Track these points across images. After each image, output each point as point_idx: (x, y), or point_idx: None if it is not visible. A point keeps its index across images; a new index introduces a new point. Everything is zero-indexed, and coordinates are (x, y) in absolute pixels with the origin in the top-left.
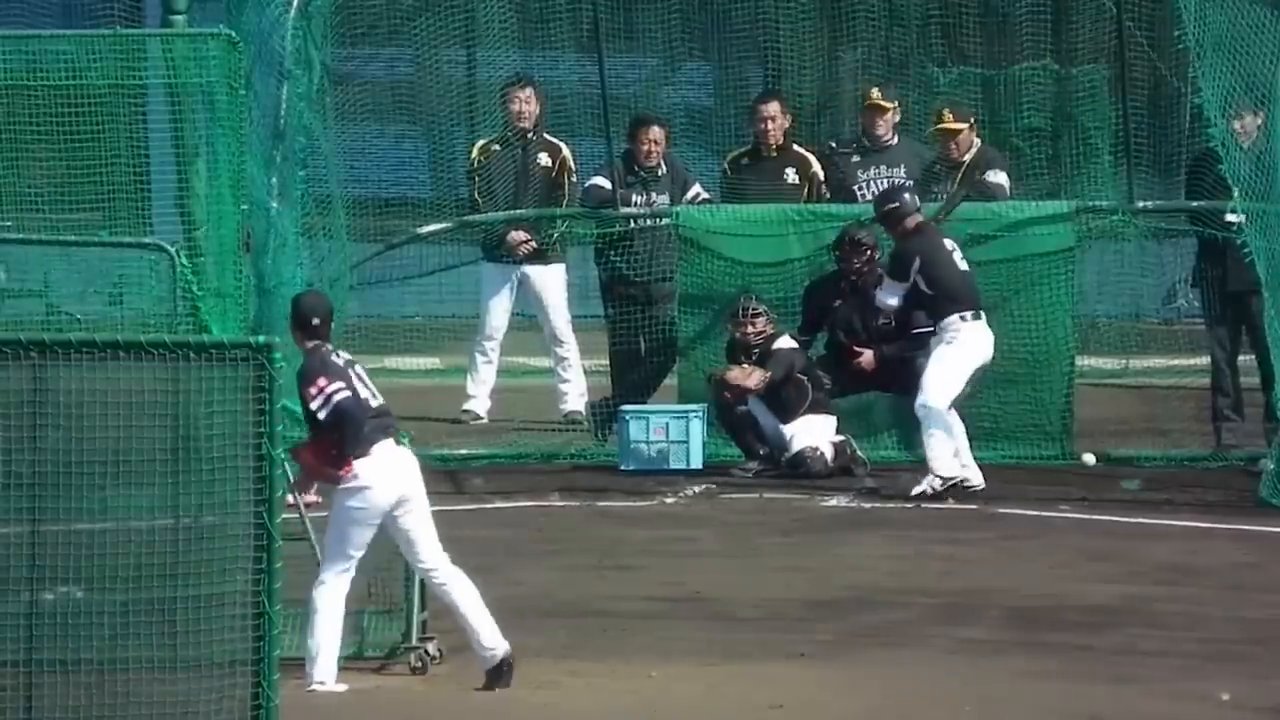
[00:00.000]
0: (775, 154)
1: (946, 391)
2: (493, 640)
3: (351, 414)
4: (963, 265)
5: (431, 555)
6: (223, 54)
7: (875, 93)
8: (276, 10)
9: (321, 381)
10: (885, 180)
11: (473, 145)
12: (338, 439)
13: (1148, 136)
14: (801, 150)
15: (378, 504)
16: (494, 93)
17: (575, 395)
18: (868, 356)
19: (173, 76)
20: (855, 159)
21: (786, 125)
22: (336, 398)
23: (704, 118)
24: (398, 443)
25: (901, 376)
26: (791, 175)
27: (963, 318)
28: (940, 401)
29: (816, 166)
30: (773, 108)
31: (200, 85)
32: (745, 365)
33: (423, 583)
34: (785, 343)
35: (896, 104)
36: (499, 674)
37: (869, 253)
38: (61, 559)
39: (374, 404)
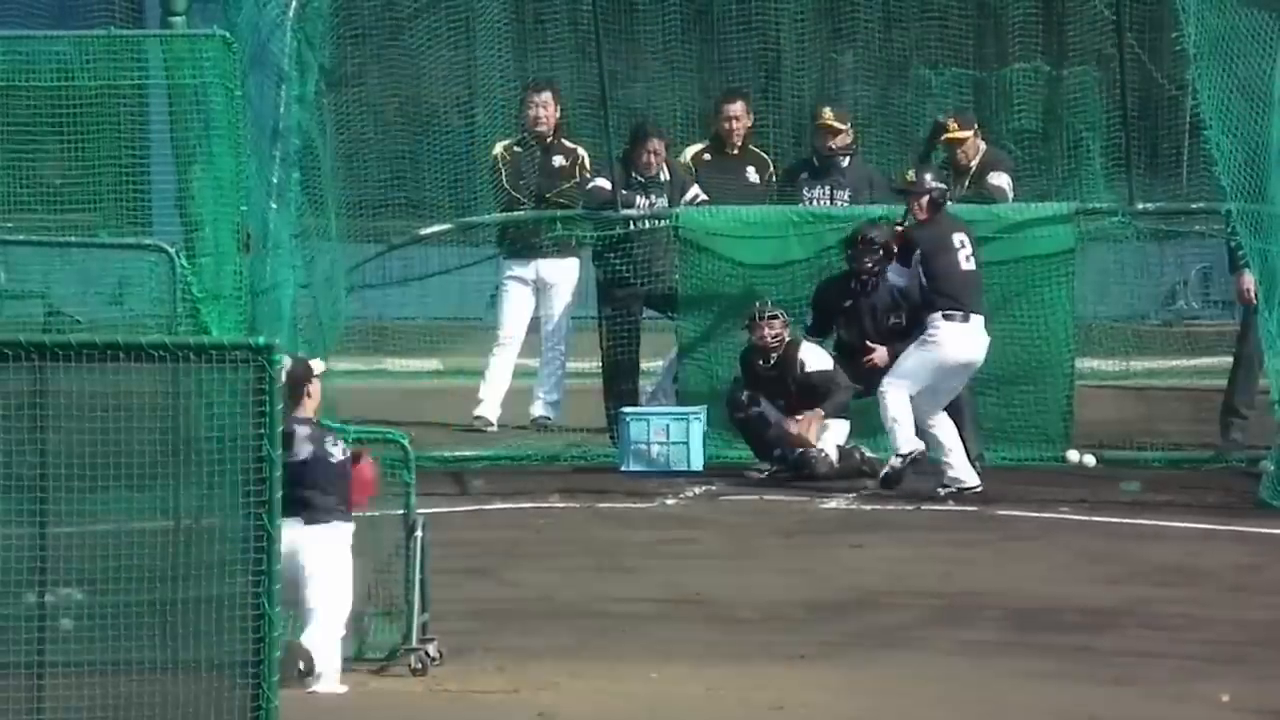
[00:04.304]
0: (736, 152)
1: (905, 383)
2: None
3: None
4: (968, 265)
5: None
6: (220, 55)
7: (827, 113)
8: (274, 11)
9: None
10: (829, 201)
11: (494, 144)
12: None
13: (1143, 138)
14: (759, 150)
15: None
16: (494, 94)
17: (548, 402)
18: (881, 353)
19: (171, 77)
20: (804, 175)
21: (749, 125)
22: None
23: (704, 118)
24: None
25: None
26: (752, 174)
27: (947, 316)
28: (896, 389)
29: (773, 168)
30: (738, 107)
31: (198, 86)
32: (800, 417)
33: (423, 583)
34: (816, 354)
35: (849, 124)
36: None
37: (881, 251)
38: (63, 561)
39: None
